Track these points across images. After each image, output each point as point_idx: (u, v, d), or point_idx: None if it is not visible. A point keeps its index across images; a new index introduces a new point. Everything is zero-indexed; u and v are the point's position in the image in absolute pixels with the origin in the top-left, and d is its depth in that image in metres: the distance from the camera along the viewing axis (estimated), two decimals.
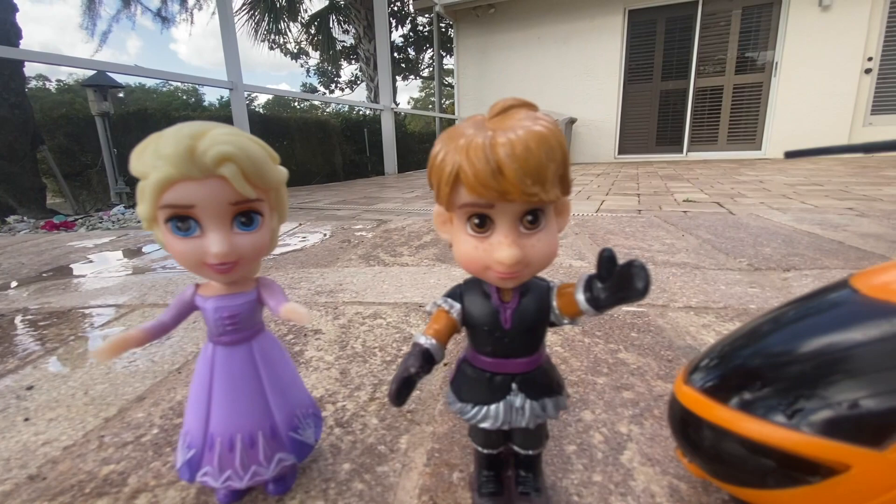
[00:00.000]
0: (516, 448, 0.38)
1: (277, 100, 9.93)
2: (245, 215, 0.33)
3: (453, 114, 6.90)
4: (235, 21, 3.57)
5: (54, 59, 2.76)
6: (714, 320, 0.76)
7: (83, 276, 1.21)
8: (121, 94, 6.92)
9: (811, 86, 5.19)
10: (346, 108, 6.90)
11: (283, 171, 0.35)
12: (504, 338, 0.34)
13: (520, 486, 0.38)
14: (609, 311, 0.30)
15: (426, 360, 0.33)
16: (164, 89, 10.25)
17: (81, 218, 3.38)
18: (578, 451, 0.45)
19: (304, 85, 15.59)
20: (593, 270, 0.31)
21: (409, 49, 13.95)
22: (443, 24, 7.15)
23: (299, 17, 10.68)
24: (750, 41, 5.51)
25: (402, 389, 0.31)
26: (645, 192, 2.63)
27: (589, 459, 0.44)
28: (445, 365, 0.64)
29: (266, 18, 9.87)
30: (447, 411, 0.52)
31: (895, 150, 0.32)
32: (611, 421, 0.50)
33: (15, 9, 4.09)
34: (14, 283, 1.14)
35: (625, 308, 0.81)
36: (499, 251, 0.30)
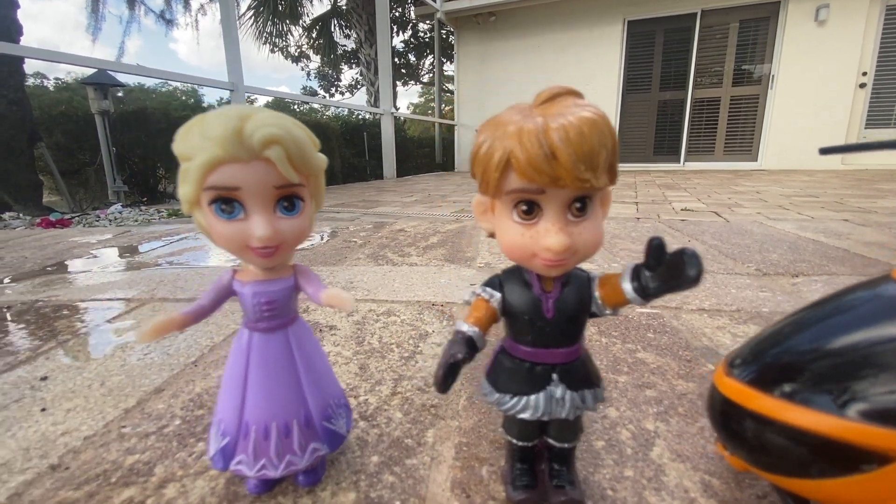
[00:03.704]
0: (551, 441, 0.38)
1: (277, 102, 9.92)
2: (288, 200, 0.33)
3: (452, 119, 6.93)
4: (238, 23, 3.57)
5: (58, 57, 2.73)
6: (728, 322, 0.76)
7: (88, 270, 1.20)
8: (120, 94, 6.85)
9: (807, 99, 5.26)
10: (346, 112, 6.90)
11: (323, 158, 0.35)
12: (546, 327, 0.34)
13: (554, 479, 0.38)
14: (656, 299, 0.30)
15: (470, 347, 0.33)
16: (164, 89, 10.20)
17: (78, 216, 3.34)
18: (607, 446, 0.45)
19: (304, 88, 15.63)
20: (632, 264, 0.31)
21: (409, 55, 14.03)
22: (444, 31, 7.19)
23: (301, 21, 10.72)
24: (747, 54, 5.59)
25: (448, 375, 0.31)
26: (643, 201, 2.64)
27: (619, 455, 0.44)
28: None
29: (269, 21, 9.90)
30: (473, 406, 0.52)
31: None
32: (636, 418, 0.50)
33: (16, 5, 4.08)
34: (13, 278, 1.13)
35: (638, 309, 0.82)
36: (547, 238, 0.30)
